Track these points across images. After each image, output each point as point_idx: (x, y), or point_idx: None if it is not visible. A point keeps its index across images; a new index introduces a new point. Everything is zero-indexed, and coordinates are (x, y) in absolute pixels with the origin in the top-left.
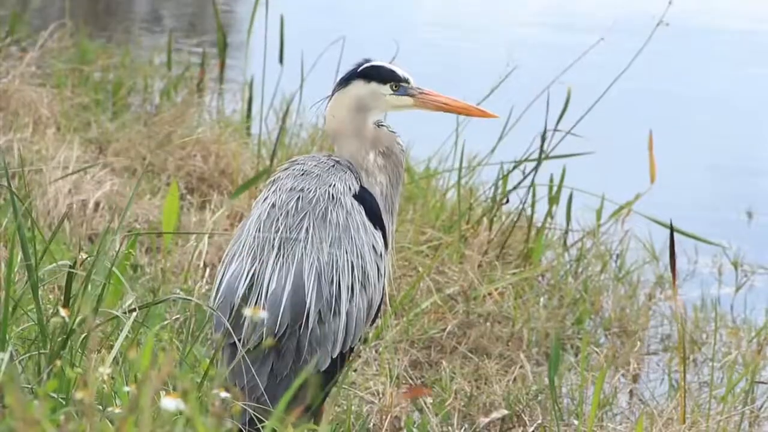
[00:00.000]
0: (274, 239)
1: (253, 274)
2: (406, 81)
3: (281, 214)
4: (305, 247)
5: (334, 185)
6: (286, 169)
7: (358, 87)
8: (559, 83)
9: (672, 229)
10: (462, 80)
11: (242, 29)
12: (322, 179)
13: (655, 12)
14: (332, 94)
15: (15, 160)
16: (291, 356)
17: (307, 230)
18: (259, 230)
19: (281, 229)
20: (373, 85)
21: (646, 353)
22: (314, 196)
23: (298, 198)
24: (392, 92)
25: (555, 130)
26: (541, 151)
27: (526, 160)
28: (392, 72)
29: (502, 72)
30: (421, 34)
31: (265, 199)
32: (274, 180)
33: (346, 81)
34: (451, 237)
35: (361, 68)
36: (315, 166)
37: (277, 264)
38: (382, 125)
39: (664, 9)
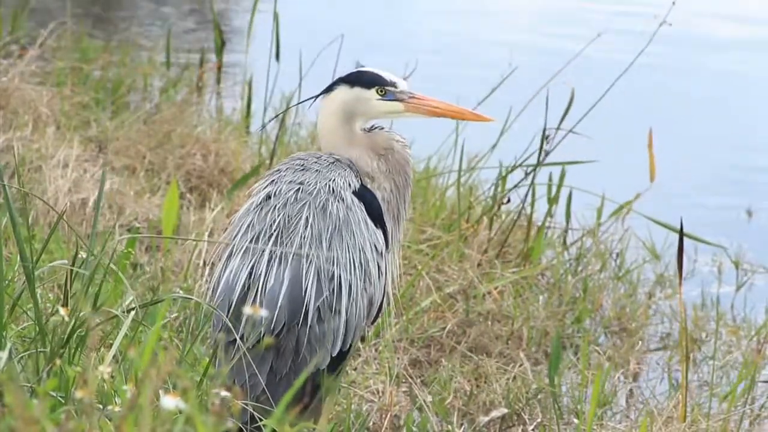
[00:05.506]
0: (273, 230)
1: (252, 270)
2: (393, 85)
3: (280, 204)
4: (304, 240)
5: (334, 180)
6: (285, 163)
7: (342, 92)
8: (559, 83)
9: (681, 232)
10: (462, 80)
11: (241, 28)
12: (322, 174)
13: (657, 12)
14: (319, 98)
15: (15, 158)
16: (290, 354)
17: (306, 220)
18: (257, 221)
19: (279, 218)
20: (357, 90)
21: (646, 352)
22: (314, 188)
23: (298, 189)
24: (379, 97)
25: (557, 128)
26: (542, 152)
27: (526, 166)
28: (376, 76)
29: (502, 72)
30: (422, 33)
31: (262, 190)
32: (272, 172)
33: (330, 87)
34: (450, 236)
35: (346, 74)
36: (315, 162)
37: (275, 259)
38: (374, 128)
39: (667, 9)
